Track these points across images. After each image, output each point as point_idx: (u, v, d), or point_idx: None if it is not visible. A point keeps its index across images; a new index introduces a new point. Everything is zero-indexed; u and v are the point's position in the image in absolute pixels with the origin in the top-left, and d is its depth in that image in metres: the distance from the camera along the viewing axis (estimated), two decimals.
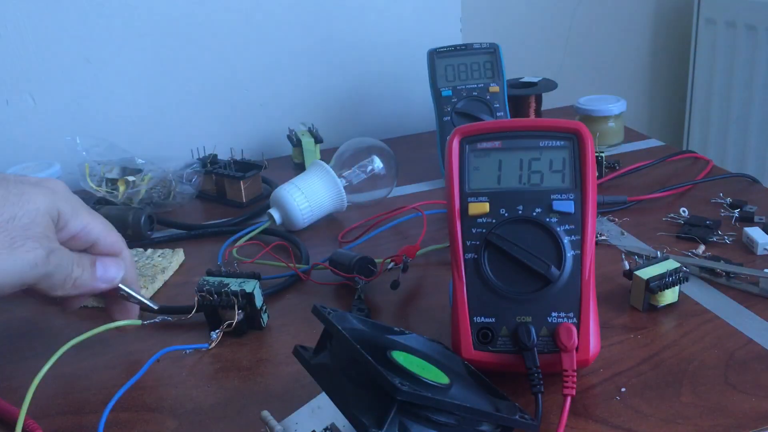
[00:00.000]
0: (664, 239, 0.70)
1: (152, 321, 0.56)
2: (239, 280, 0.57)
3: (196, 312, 0.57)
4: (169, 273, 0.70)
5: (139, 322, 0.54)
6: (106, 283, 0.51)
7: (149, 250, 0.73)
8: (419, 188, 0.89)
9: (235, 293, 0.56)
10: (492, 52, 0.87)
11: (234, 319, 0.56)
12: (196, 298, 0.57)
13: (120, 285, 0.52)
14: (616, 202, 0.77)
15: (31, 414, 0.48)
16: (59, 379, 0.54)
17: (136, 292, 0.53)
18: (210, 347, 0.56)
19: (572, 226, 0.48)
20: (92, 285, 0.49)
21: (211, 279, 0.58)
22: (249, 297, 0.56)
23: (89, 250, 0.51)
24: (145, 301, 0.54)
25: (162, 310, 0.61)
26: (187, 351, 0.56)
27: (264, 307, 0.59)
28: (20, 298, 0.53)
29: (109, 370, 0.55)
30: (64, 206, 0.48)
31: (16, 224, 0.45)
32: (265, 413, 0.45)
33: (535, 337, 0.47)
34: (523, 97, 1.01)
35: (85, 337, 0.49)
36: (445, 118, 0.86)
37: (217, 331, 0.56)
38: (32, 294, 0.49)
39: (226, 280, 0.57)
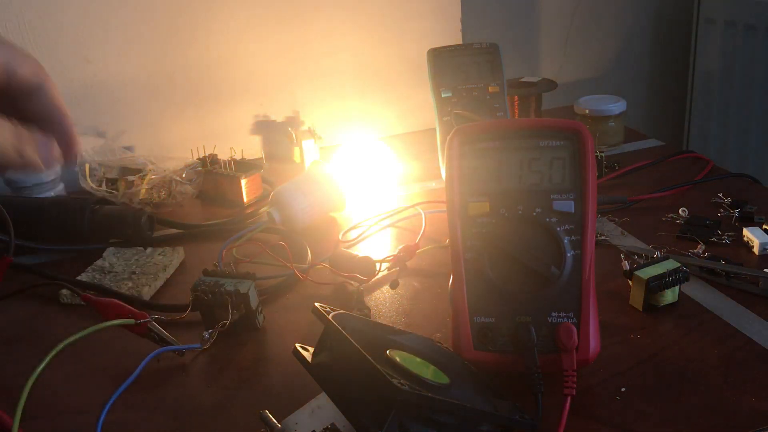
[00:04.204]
0: (664, 239, 0.70)
1: (147, 321, 0.56)
2: (235, 280, 0.57)
3: (191, 311, 0.57)
4: (171, 270, 0.70)
5: (132, 321, 0.54)
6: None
7: (149, 249, 0.73)
8: (419, 188, 0.89)
9: (229, 293, 0.56)
10: (492, 52, 0.87)
11: (228, 319, 0.56)
12: (191, 297, 0.57)
13: (151, 325, 0.54)
14: (616, 202, 0.77)
15: (31, 414, 0.48)
16: (58, 379, 0.54)
17: (165, 333, 0.55)
18: (203, 347, 0.56)
19: (572, 226, 0.48)
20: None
21: (207, 279, 0.58)
22: (244, 297, 0.56)
23: (5, 89, 0.38)
24: (176, 343, 0.55)
25: (158, 308, 0.61)
26: (189, 350, 0.56)
27: (260, 308, 0.58)
28: None
29: (107, 370, 0.55)
30: None
31: None
32: (265, 413, 0.45)
33: (535, 337, 0.47)
34: (523, 97, 1.01)
35: (80, 336, 0.49)
36: (445, 118, 0.86)
37: (210, 330, 0.56)
38: None
39: (221, 280, 0.57)
